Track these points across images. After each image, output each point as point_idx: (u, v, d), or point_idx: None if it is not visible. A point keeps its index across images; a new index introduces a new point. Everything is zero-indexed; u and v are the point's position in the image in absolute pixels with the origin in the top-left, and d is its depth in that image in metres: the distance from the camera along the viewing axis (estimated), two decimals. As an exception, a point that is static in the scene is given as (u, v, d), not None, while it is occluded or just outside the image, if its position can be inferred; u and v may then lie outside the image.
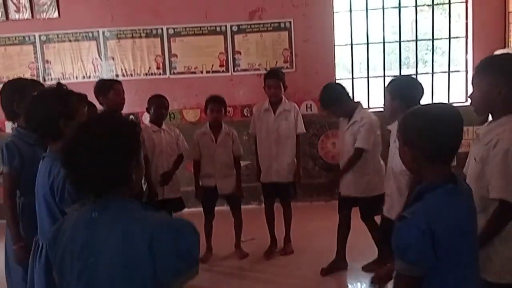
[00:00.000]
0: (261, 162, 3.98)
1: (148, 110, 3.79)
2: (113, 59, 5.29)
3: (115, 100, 3.45)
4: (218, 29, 5.22)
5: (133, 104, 5.13)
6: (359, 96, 4.68)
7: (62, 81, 5.33)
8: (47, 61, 5.33)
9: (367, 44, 5.37)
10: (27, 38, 5.29)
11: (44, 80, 5.33)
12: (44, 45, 5.30)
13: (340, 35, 5.40)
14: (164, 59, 5.28)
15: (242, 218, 4.01)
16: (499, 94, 1.82)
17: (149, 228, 1.21)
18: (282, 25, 5.22)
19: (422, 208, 1.45)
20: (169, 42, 5.25)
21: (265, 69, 5.24)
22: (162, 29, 5.24)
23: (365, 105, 5.41)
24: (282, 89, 3.88)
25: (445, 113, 1.51)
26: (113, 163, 1.22)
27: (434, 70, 5.48)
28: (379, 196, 3.21)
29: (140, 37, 5.25)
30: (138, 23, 5.24)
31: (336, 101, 3.47)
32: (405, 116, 1.56)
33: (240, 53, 5.25)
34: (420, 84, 2.79)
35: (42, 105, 1.89)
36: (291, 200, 4.03)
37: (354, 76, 5.49)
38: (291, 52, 5.25)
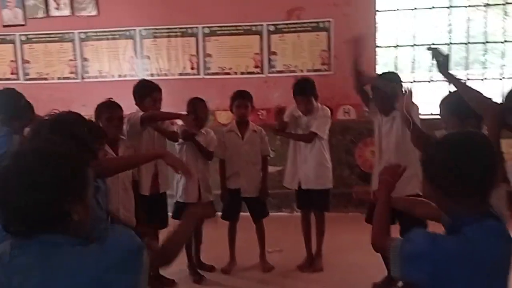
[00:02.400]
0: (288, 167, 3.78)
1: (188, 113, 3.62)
2: (148, 58, 5.25)
3: (149, 108, 3.37)
4: (254, 28, 5.06)
5: (166, 104, 5.06)
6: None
7: (99, 80, 5.40)
8: (85, 59, 5.37)
9: (413, 45, 5.04)
10: (66, 36, 5.35)
11: (83, 78, 5.39)
12: (83, 43, 5.34)
13: (384, 36, 5.09)
14: (198, 59, 5.18)
15: (272, 226, 3.82)
16: None
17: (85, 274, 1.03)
18: (321, 25, 4.98)
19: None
20: (204, 41, 5.14)
21: (301, 70, 5.05)
22: (197, 28, 5.14)
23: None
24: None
25: (472, 142, 1.28)
26: (41, 201, 1.03)
27: (489, 73, 5.07)
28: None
29: (176, 36, 5.18)
30: (174, 21, 5.18)
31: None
32: (426, 147, 1.34)
33: (275, 54, 5.06)
34: None
35: None
36: (325, 211, 3.78)
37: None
38: (330, 54, 5.00)
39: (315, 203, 3.72)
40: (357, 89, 3.33)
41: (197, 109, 3.54)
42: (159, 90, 3.47)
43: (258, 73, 5.12)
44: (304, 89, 3.67)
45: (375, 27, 4.96)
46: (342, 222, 4.66)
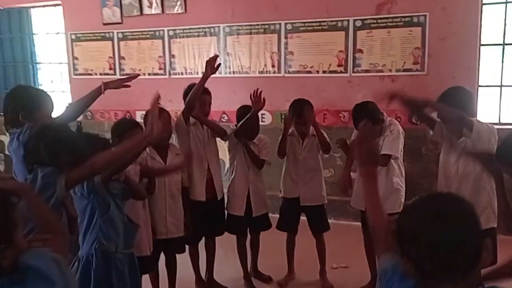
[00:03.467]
0: None
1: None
2: (230, 55, 5.20)
3: (197, 110, 3.27)
4: (339, 24, 4.70)
5: (248, 102, 4.97)
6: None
7: (184, 76, 5.49)
8: (173, 56, 5.49)
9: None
10: (157, 33, 5.52)
11: (170, 74, 5.54)
12: (171, 40, 5.47)
13: (488, 33, 4.40)
14: (280, 56, 4.99)
15: (338, 236, 3.55)
16: None
17: None
18: (415, 19, 4.45)
19: None
20: (286, 38, 4.93)
21: (389, 70, 4.59)
22: (280, 24, 4.93)
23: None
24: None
25: (450, 209, 1.01)
26: None
27: None
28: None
29: (258, 33, 5.04)
30: (257, 18, 5.04)
31: (466, 109, 2.68)
32: (400, 214, 1.04)
33: (362, 51, 4.66)
34: None
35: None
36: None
37: (503, 84, 4.44)
38: (423, 52, 4.46)
39: None
40: (417, 117, 2.89)
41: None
42: (208, 93, 3.34)
43: (341, 72, 4.77)
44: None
45: (479, 23, 4.30)
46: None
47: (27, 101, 2.36)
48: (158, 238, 2.91)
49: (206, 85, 3.19)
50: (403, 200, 3.22)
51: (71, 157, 1.88)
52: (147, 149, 2.90)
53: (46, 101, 2.43)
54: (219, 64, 3.20)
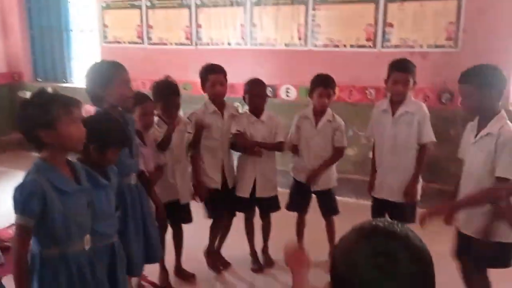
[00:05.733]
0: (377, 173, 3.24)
1: (244, 97, 3.35)
2: (256, 26, 5.06)
3: (210, 92, 3.23)
4: (370, -5, 4.46)
5: (273, 76, 4.88)
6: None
7: (209, 47, 5.42)
8: (199, 25, 5.41)
9: None
10: (184, 2, 5.44)
11: (196, 44, 5.47)
12: (198, 9, 5.37)
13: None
14: (306, 29, 4.80)
15: (357, 217, 3.39)
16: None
17: None
18: (451, -9, 4.15)
19: None
20: (314, 9, 4.72)
21: (421, 46, 4.33)
22: (308, -6, 4.74)
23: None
24: (410, 86, 3.04)
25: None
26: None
27: None
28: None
29: (285, 3, 4.86)
30: (285, -13, 4.85)
31: (491, 86, 2.34)
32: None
33: (392, 25, 4.41)
34: None
35: (22, 114, 1.76)
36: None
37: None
38: (458, 27, 4.16)
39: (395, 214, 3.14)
40: None
41: (251, 91, 3.27)
42: (221, 71, 3.23)
43: (369, 47, 4.55)
44: (406, 66, 3.05)
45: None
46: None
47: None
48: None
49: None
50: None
51: None
52: (156, 120, 2.93)
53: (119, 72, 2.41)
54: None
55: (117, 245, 2.17)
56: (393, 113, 3.08)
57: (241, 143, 3.24)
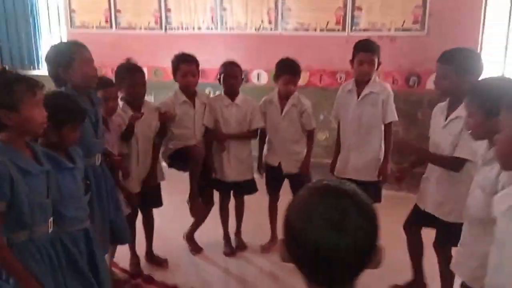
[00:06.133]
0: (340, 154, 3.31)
1: (218, 78, 3.34)
2: (226, 10, 5.01)
3: (181, 82, 3.20)
4: (340, -22, 4.47)
5: (244, 61, 4.80)
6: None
7: (179, 31, 5.35)
8: (169, 10, 5.33)
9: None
10: (153, -15, 5.33)
11: (166, 29, 5.39)
12: (167, -7, 5.28)
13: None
14: (276, 13, 4.79)
15: None
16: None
17: None
18: (418, -25, 4.20)
19: None
20: (284, -7, 4.71)
21: (388, 29, 4.38)
22: (279, -23, 4.71)
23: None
24: (375, 66, 3.09)
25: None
26: None
27: None
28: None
29: (255, -14, 4.83)
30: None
31: (469, 71, 2.37)
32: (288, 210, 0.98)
33: (361, 9, 4.44)
34: None
35: None
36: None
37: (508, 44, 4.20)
38: (424, 11, 4.23)
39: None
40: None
41: (225, 72, 3.27)
42: (191, 62, 3.20)
43: (339, 30, 4.58)
44: (370, 46, 3.09)
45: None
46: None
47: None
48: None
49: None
50: None
51: None
52: (120, 104, 2.88)
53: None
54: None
55: (91, 231, 2.14)
56: (358, 94, 3.13)
57: (212, 138, 3.29)
